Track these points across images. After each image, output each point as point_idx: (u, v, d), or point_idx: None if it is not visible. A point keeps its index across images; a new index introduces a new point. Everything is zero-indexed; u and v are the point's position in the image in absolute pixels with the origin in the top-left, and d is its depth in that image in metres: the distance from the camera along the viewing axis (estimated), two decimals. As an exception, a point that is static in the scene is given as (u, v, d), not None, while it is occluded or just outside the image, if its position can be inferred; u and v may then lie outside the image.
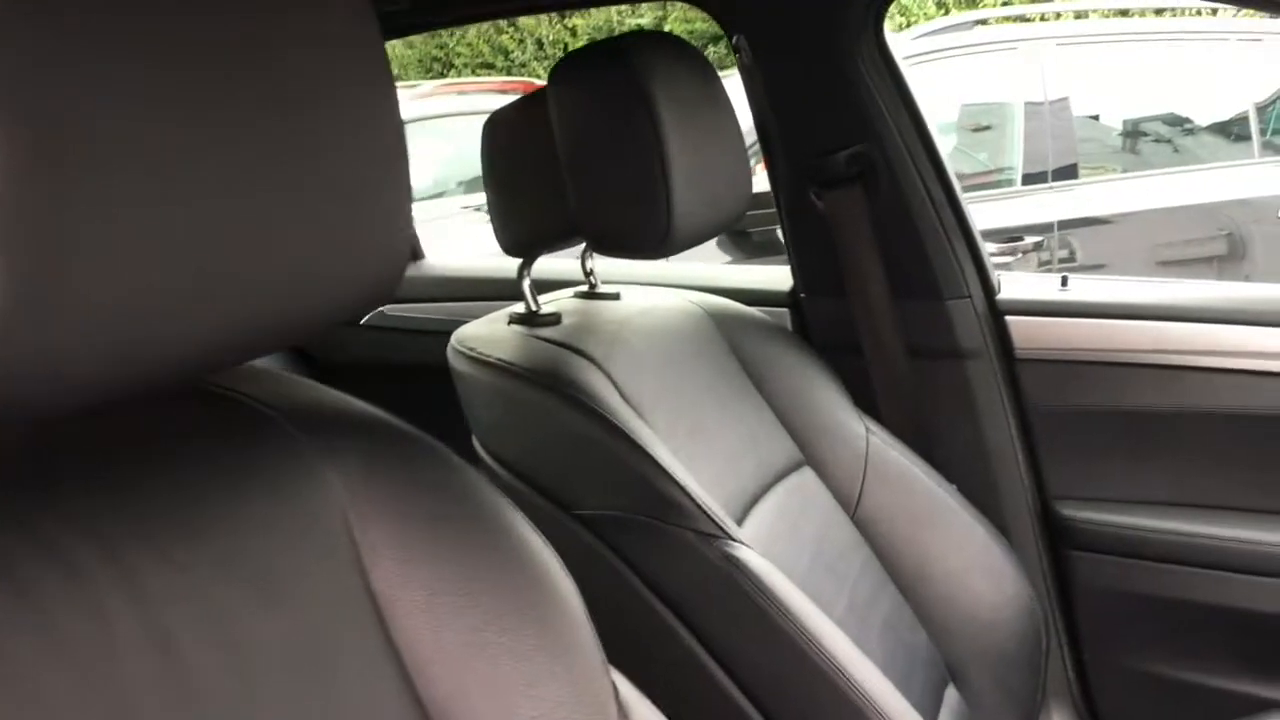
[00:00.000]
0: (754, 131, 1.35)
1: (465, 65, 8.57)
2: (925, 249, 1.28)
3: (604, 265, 1.19)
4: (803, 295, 1.41)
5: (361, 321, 1.67)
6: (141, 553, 0.45)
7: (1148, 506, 1.26)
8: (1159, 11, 3.63)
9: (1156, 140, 3.32)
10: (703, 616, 0.91)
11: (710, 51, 5.53)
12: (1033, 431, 1.31)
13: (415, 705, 0.52)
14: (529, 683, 0.55)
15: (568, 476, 0.98)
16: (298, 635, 0.48)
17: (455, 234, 3.24)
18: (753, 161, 1.61)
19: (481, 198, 1.12)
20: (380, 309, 1.67)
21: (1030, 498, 1.32)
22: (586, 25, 7.45)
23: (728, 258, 2.66)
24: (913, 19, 5.80)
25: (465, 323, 1.11)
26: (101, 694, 0.41)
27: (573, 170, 0.98)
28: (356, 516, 0.53)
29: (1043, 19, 4.26)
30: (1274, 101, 3.20)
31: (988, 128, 3.16)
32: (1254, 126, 3.14)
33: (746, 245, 2.64)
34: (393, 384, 1.55)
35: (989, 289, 1.32)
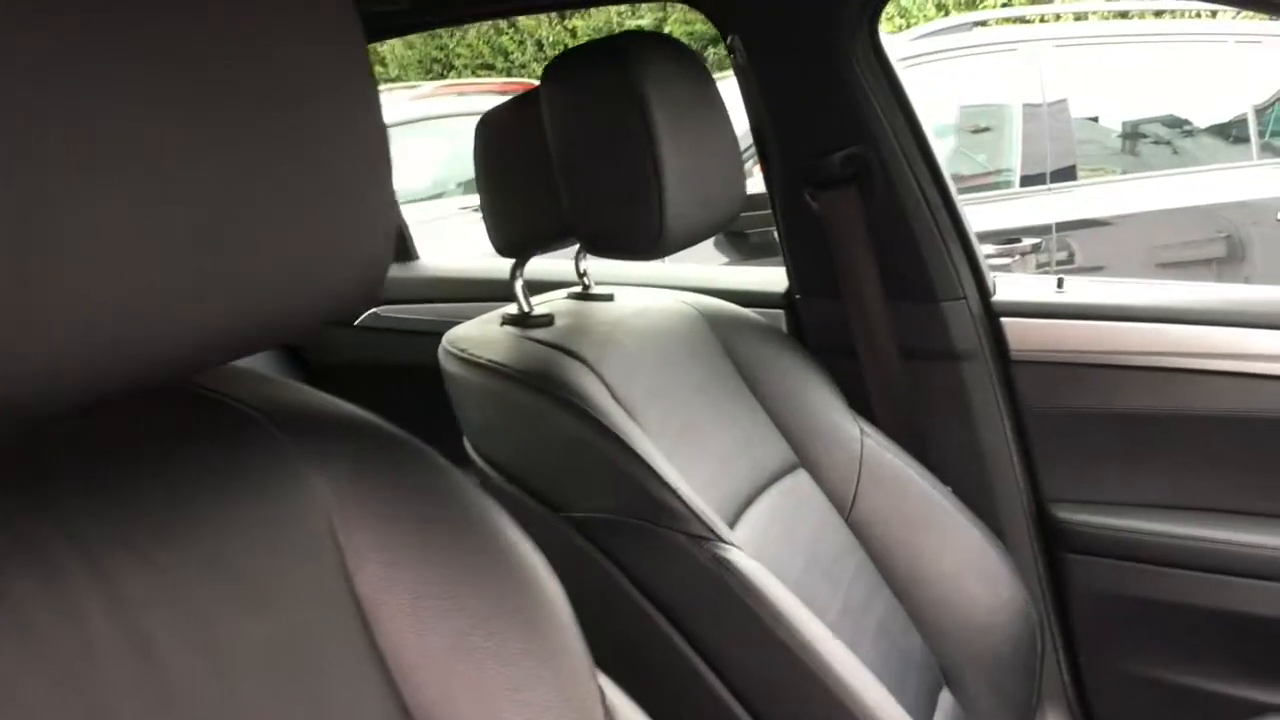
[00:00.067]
0: (751, 134, 1.35)
1: (465, 66, 8.57)
2: (920, 250, 1.28)
3: (599, 266, 1.19)
4: (798, 297, 1.40)
5: (355, 323, 1.67)
6: (121, 555, 0.45)
7: (1143, 509, 1.26)
8: (1158, 13, 3.63)
9: (1156, 142, 3.31)
10: (694, 620, 0.91)
11: (710, 53, 5.53)
12: (1028, 434, 1.30)
13: (400, 710, 0.52)
14: (515, 687, 0.55)
15: (559, 479, 0.97)
16: (280, 638, 0.48)
17: (453, 234, 3.23)
18: (750, 163, 1.61)
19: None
20: (374, 310, 1.67)
21: (1025, 500, 1.31)
22: (586, 27, 7.45)
23: (725, 259, 2.65)
24: (913, 20, 5.80)
25: (459, 324, 1.11)
26: (79, 696, 0.41)
27: (565, 171, 0.98)
28: (341, 519, 0.53)
29: (1042, 20, 4.26)
30: (1273, 103, 3.20)
31: (986, 129, 3.15)
32: (1253, 128, 3.14)
33: (744, 247, 2.63)
34: (386, 385, 1.55)
35: (984, 291, 1.31)
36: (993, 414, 1.30)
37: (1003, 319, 1.30)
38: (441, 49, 8.68)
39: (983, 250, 1.36)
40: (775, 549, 1.03)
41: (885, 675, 1.02)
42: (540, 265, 1.33)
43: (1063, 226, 2.87)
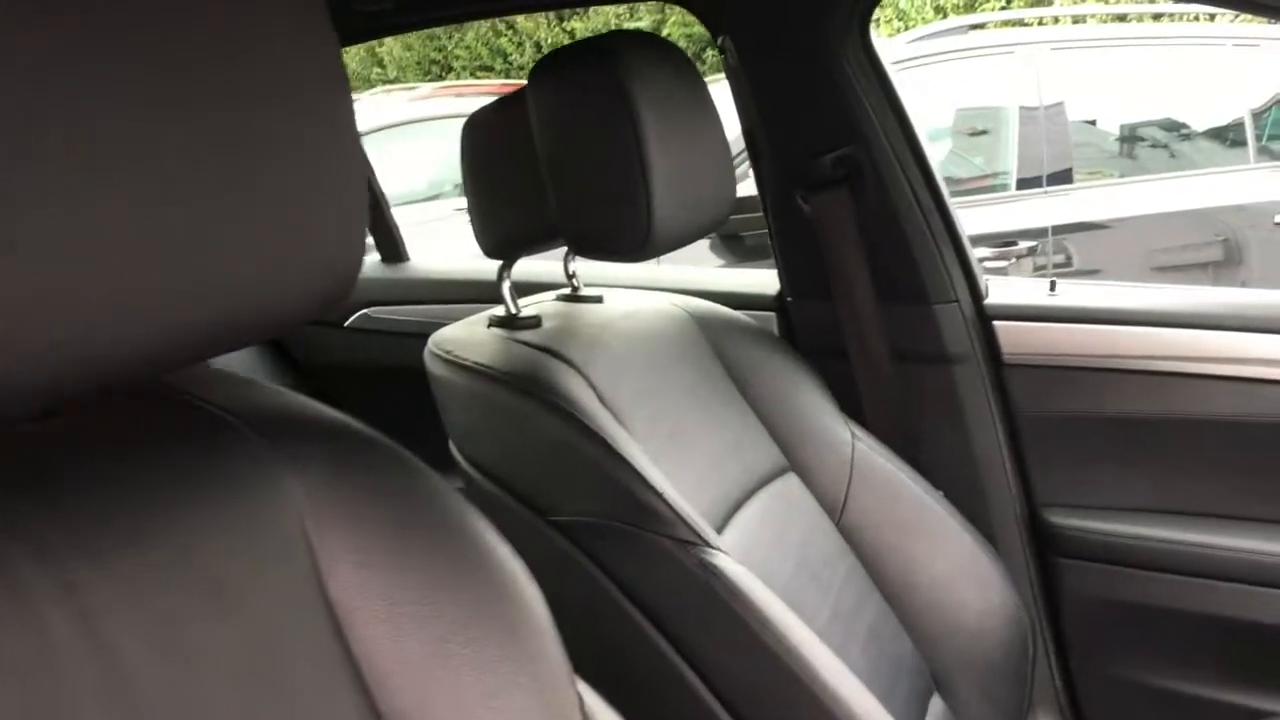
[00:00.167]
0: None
1: (464, 68, 8.58)
2: (912, 253, 1.27)
3: (590, 268, 1.19)
4: (789, 299, 1.40)
5: (345, 324, 1.66)
6: (85, 561, 0.44)
7: (1136, 513, 1.25)
8: (1156, 17, 3.63)
9: (1153, 145, 3.31)
10: (679, 624, 0.90)
11: (711, 55, 5.53)
12: (1020, 437, 1.30)
13: (374, 717, 0.51)
14: (492, 694, 0.54)
15: (544, 482, 0.97)
16: (251, 644, 0.47)
17: (449, 236, 3.23)
18: (745, 166, 1.60)
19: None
20: (364, 311, 1.67)
21: (1017, 504, 1.31)
22: (585, 29, 7.44)
23: (720, 261, 2.64)
24: (911, 23, 5.80)
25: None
26: (42, 707, 0.41)
27: (552, 171, 0.97)
28: (315, 523, 0.52)
29: (1040, 23, 4.26)
30: (1270, 107, 3.19)
31: (983, 132, 3.15)
32: (1249, 132, 3.14)
33: (739, 249, 2.62)
34: (376, 386, 1.55)
35: (977, 293, 1.31)
36: (985, 418, 1.29)
37: (995, 322, 1.29)
38: (440, 51, 8.69)
39: (979, 253, 1.35)
40: (764, 553, 1.02)
41: (875, 681, 1.02)
42: (534, 267, 1.32)
43: (1059, 229, 2.86)
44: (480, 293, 1.52)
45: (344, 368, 1.69)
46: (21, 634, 0.41)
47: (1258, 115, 3.18)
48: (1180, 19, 3.43)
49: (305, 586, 0.51)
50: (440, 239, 2.89)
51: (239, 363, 1.64)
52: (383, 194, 1.73)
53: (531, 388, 0.94)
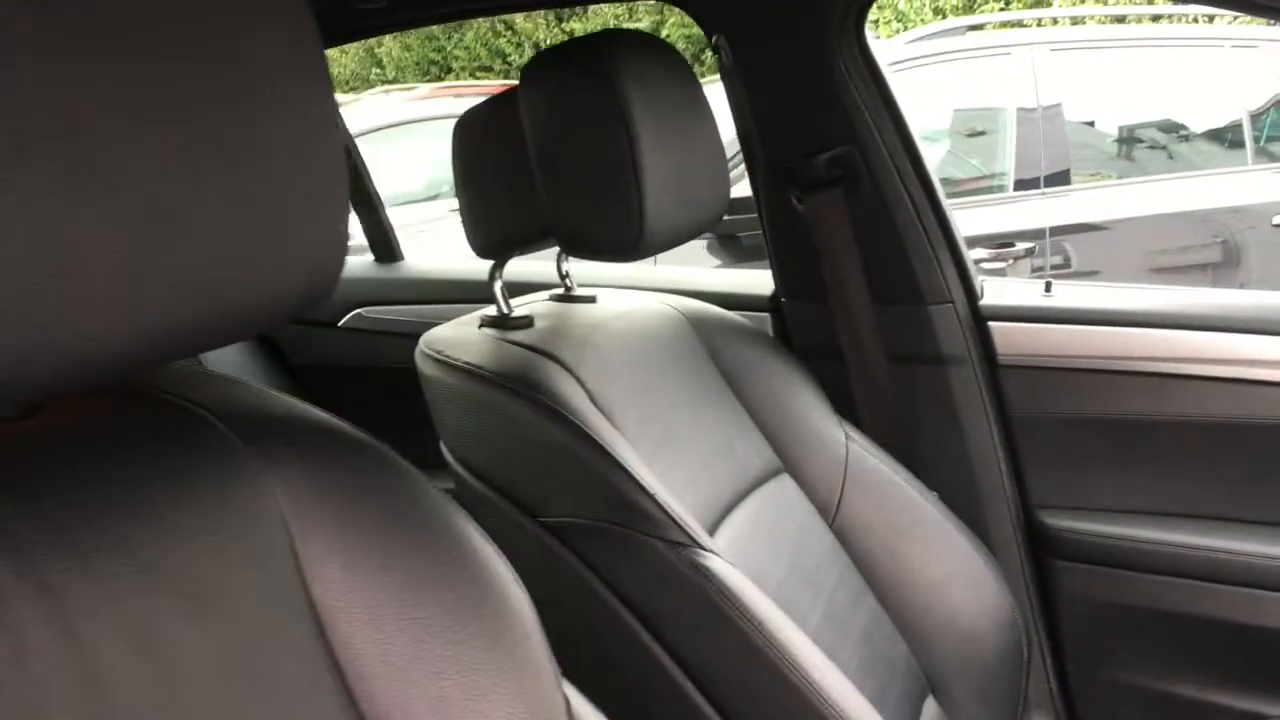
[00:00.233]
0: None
1: (463, 69, 8.58)
2: (907, 253, 1.27)
3: (584, 268, 1.18)
4: (783, 299, 1.39)
5: (339, 324, 1.66)
6: (62, 562, 0.44)
7: (1132, 516, 1.25)
8: (1155, 18, 3.63)
9: (1151, 147, 3.31)
10: (670, 626, 0.89)
11: (710, 55, 5.52)
12: (1015, 439, 1.29)
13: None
14: (475, 697, 0.54)
15: (535, 483, 0.96)
16: (231, 646, 0.47)
17: (450, 235, 3.23)
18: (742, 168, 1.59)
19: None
20: (357, 311, 1.66)
21: (1012, 506, 1.30)
22: (584, 30, 7.45)
23: (717, 262, 2.64)
24: (909, 24, 5.80)
25: None
26: (15, 708, 0.40)
27: (544, 170, 0.96)
28: (298, 525, 0.52)
29: (1039, 24, 4.26)
30: (1268, 109, 3.19)
31: (981, 133, 3.15)
32: (1248, 134, 3.13)
33: (736, 250, 2.62)
34: (369, 387, 1.54)
35: (972, 294, 1.30)
36: (980, 419, 1.29)
37: (990, 323, 1.29)
38: (439, 51, 8.70)
39: (976, 255, 1.35)
40: (757, 554, 1.01)
41: (867, 683, 1.01)
42: (529, 267, 1.32)
43: (1057, 231, 2.86)
44: (474, 293, 1.51)
45: (337, 368, 1.68)
46: None
47: (1256, 117, 3.17)
48: (1179, 20, 3.43)
49: (288, 587, 0.51)
50: (443, 239, 2.89)
51: (232, 362, 1.63)
52: (377, 194, 1.73)
53: (522, 388, 0.93)
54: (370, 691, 0.52)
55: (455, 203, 1.04)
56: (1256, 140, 3.16)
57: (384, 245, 1.73)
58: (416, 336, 1.07)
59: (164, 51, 0.38)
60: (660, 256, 1.83)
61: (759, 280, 1.45)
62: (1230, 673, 1.20)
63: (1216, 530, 1.20)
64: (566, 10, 7.43)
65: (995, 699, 1.14)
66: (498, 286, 1.06)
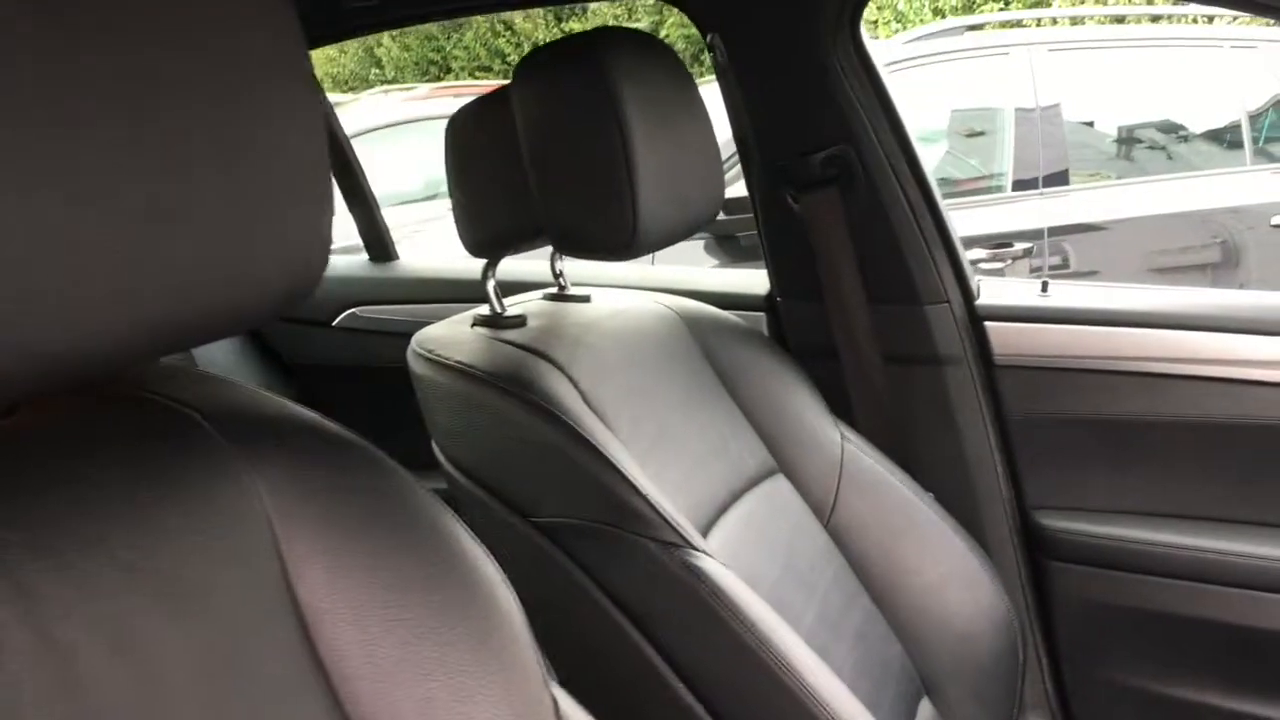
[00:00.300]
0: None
1: (462, 69, 8.58)
2: (902, 253, 1.26)
3: (579, 267, 1.18)
4: (779, 299, 1.39)
5: (333, 323, 1.66)
6: (40, 561, 0.43)
7: (1128, 516, 1.24)
8: (1154, 19, 3.63)
9: (1150, 147, 3.31)
10: (663, 627, 0.89)
11: (708, 56, 5.51)
12: (1011, 439, 1.29)
13: None
14: (463, 699, 0.53)
15: (527, 483, 0.95)
16: (214, 646, 0.47)
17: (450, 235, 3.23)
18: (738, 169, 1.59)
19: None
20: (352, 310, 1.66)
21: (1008, 507, 1.30)
22: (583, 29, 7.45)
23: (714, 262, 2.63)
24: (908, 24, 5.80)
25: None
26: None
27: (536, 169, 0.96)
28: (282, 524, 0.51)
29: (1038, 24, 4.26)
30: (1267, 109, 3.19)
31: (980, 133, 3.14)
32: (1247, 134, 3.13)
33: (733, 250, 2.61)
34: (363, 386, 1.54)
35: (968, 294, 1.30)
36: (975, 419, 1.28)
37: (986, 323, 1.28)
38: (438, 51, 8.70)
39: (974, 254, 1.34)
40: (750, 555, 1.01)
41: (862, 684, 1.01)
42: (525, 266, 1.31)
43: (1056, 231, 2.86)
44: (468, 292, 1.51)
45: (332, 367, 1.68)
46: None
47: (1255, 117, 3.17)
48: (1178, 20, 3.43)
49: (272, 587, 0.50)
50: (449, 239, 2.89)
51: (226, 362, 1.63)
52: (372, 193, 1.72)
53: (514, 387, 0.93)
54: (355, 693, 0.51)
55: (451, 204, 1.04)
56: (1255, 141, 3.16)
57: (379, 245, 1.73)
58: (410, 336, 1.07)
59: (161, 51, 0.38)
60: (658, 256, 1.83)
61: (754, 280, 1.44)
62: (1225, 674, 1.19)
63: (1212, 531, 1.19)
64: (566, 10, 7.43)
65: (991, 700, 1.14)
66: (490, 285, 1.06)
